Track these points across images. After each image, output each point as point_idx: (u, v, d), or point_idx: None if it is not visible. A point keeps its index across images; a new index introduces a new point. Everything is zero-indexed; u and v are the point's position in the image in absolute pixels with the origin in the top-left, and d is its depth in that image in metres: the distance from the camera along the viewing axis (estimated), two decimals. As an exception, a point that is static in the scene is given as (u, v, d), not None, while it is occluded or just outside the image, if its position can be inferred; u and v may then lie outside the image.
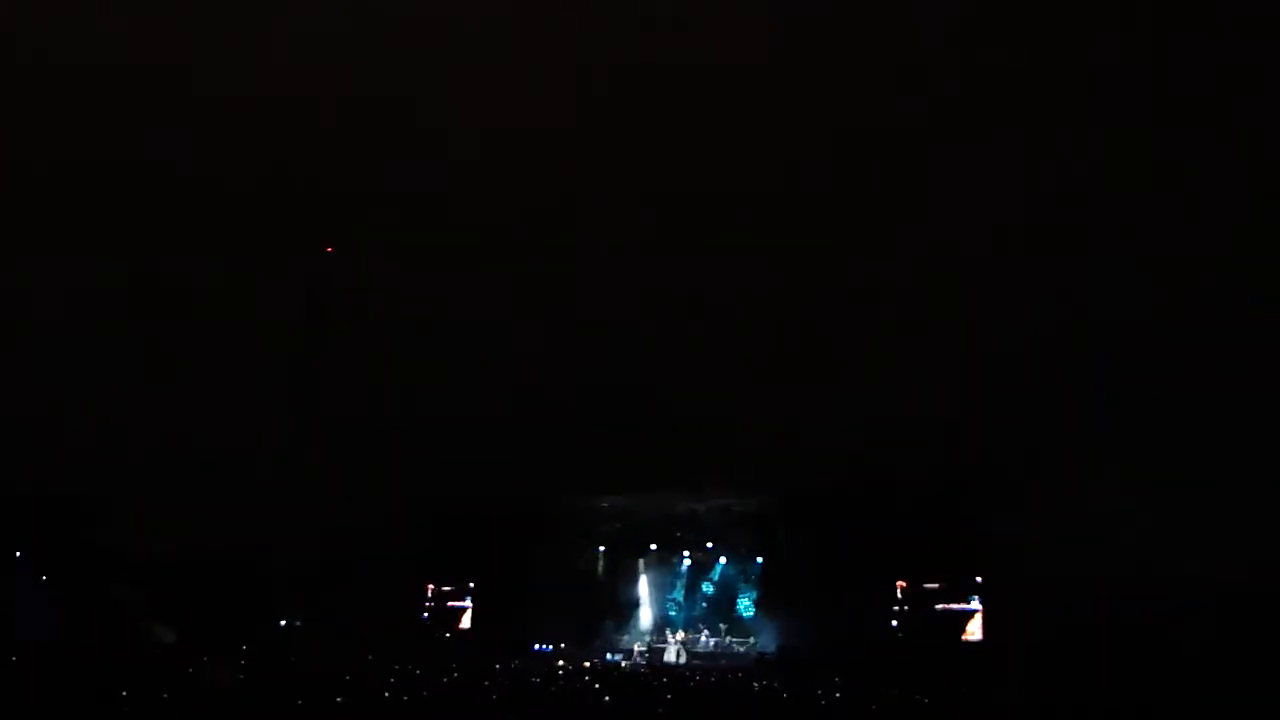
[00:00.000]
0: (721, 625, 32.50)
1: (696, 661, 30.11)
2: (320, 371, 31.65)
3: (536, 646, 31.23)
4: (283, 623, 32.01)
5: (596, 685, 18.72)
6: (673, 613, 33.81)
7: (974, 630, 26.47)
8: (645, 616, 33.81)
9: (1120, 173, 26.64)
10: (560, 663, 27.88)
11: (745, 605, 32.89)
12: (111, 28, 28.04)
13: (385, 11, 28.86)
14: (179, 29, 28.58)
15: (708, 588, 33.88)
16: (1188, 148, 25.71)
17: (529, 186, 30.54)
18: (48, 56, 28.32)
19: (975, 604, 26.64)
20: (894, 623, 27.36)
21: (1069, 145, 27.14)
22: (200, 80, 29.18)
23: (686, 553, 34.14)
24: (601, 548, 34.65)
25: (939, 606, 27.03)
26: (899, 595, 27.51)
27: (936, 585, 27.15)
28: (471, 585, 33.80)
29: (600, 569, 34.79)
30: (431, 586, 34.48)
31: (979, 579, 26.69)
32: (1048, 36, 27.00)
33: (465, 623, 33.62)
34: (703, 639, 31.67)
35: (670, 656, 30.31)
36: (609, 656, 30.93)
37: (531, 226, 30.99)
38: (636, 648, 31.48)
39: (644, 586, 34.60)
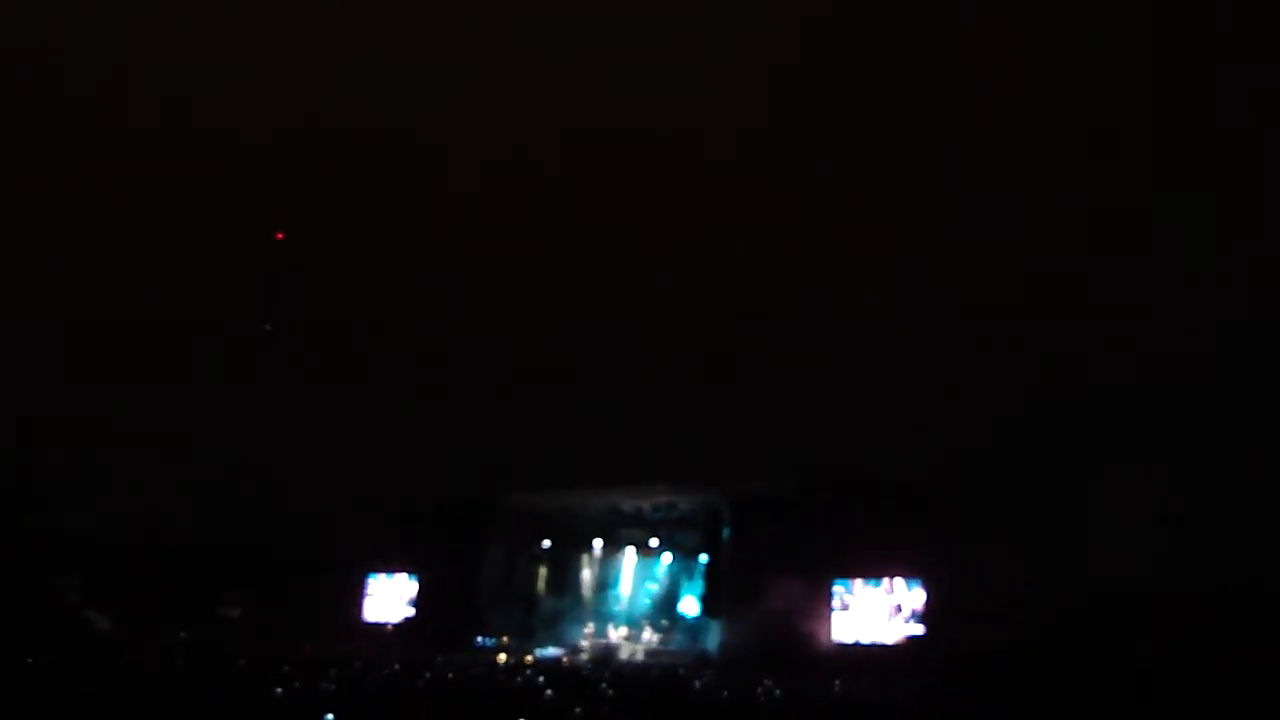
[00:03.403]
0: (664, 622, 32.55)
1: (639, 658, 30.16)
2: (264, 361, 31.34)
3: (478, 640, 31.14)
4: (221, 612, 31.66)
5: (540, 679, 18.70)
6: (615, 609, 33.83)
7: (913, 633, 26.76)
8: (588, 612, 33.76)
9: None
10: (502, 656, 27.82)
11: (688, 603, 32.97)
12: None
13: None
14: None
15: (651, 584, 33.94)
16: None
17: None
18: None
19: (915, 607, 26.95)
20: (834, 623, 27.58)
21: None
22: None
23: (631, 549, 34.18)
24: (546, 543, 34.59)
25: (880, 608, 27.31)
26: (840, 596, 27.74)
27: (878, 588, 27.41)
28: (414, 578, 33.65)
29: (544, 564, 34.72)
30: (373, 579, 34.27)
31: (921, 583, 27.00)
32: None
33: (406, 615, 33.45)
34: (645, 635, 31.70)
35: (625, 654, 30.31)
36: (548, 651, 30.97)
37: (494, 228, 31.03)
38: (583, 643, 31.50)
39: (587, 582, 34.57)
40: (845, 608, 27.64)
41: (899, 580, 27.24)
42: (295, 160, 30.11)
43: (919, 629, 26.69)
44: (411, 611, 33.43)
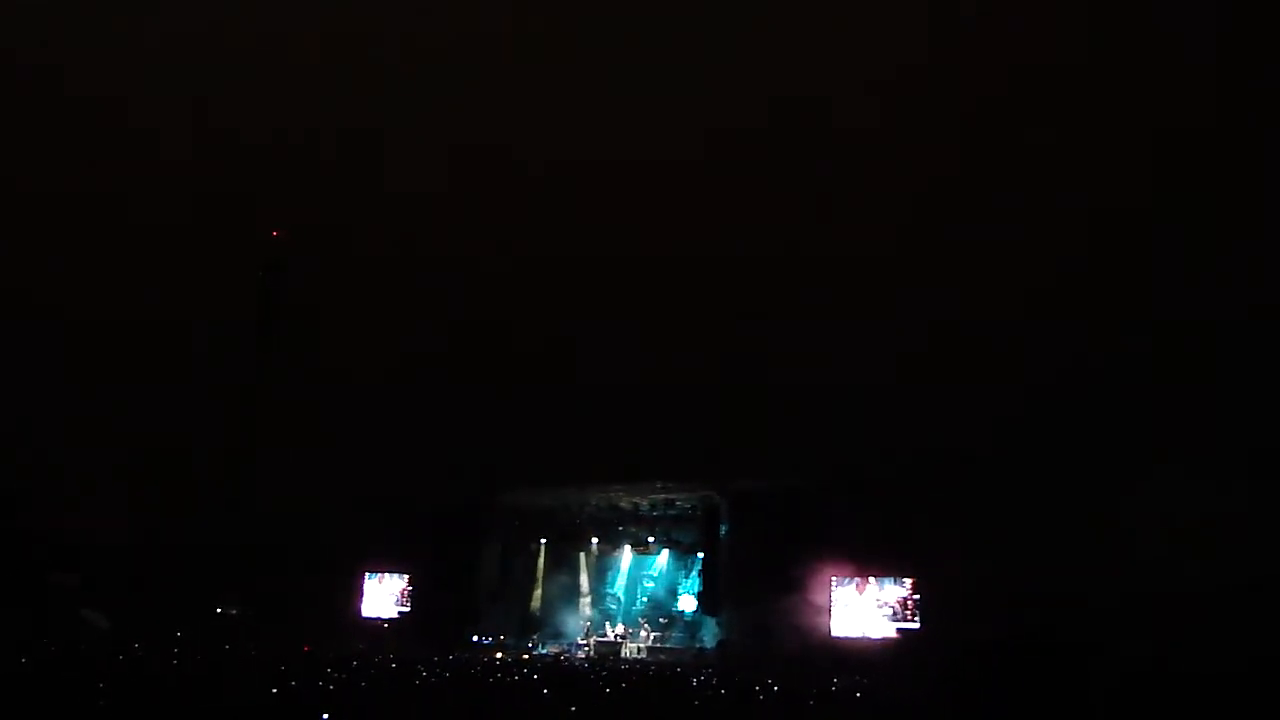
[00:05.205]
0: (661, 620, 32.50)
1: (638, 655, 30.14)
2: (260, 362, 31.41)
3: (475, 638, 31.13)
4: (219, 610, 31.66)
5: (535, 677, 18.70)
6: (612, 607, 33.80)
7: (910, 630, 26.77)
8: (585, 610, 33.73)
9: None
10: (499, 655, 27.82)
11: (685, 600, 32.93)
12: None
13: None
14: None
15: (648, 582, 33.90)
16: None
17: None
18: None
19: (913, 604, 26.97)
20: (833, 620, 27.57)
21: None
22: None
23: (628, 547, 34.16)
24: (543, 540, 34.54)
25: (877, 605, 27.32)
26: (838, 593, 27.73)
27: (875, 584, 27.42)
28: (410, 576, 33.63)
29: (541, 562, 34.66)
30: (370, 577, 34.26)
31: (918, 580, 27.02)
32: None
33: (403, 614, 33.44)
34: (642, 633, 31.68)
35: (627, 652, 30.29)
36: (545, 649, 31.00)
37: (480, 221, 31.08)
38: (580, 641, 31.49)
39: (584, 580, 34.51)
40: (843, 604, 27.64)
41: (895, 577, 27.26)
42: (295, 160, 30.16)
43: (916, 626, 26.70)
44: (408, 609, 33.39)
